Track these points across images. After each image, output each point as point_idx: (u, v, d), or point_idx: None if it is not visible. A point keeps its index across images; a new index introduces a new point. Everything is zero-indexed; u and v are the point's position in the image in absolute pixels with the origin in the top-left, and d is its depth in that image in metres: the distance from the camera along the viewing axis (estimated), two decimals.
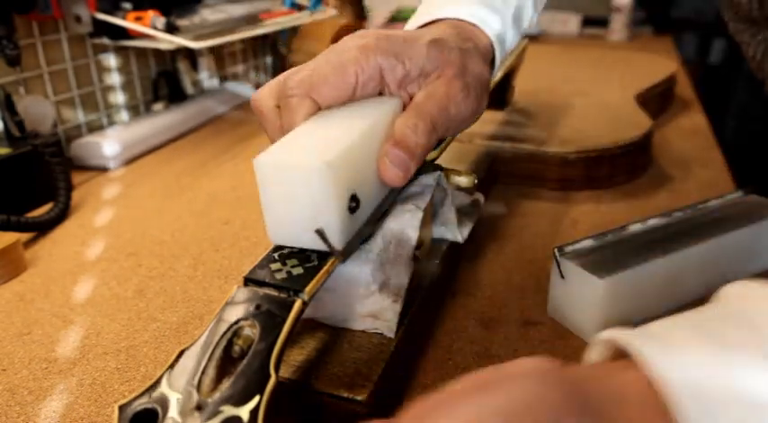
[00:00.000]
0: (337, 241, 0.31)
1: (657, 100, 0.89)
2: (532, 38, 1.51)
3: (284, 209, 0.31)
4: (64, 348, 0.41)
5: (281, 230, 0.32)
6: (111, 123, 0.82)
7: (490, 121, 0.72)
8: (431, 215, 0.43)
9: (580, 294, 0.40)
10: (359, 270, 0.35)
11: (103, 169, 0.73)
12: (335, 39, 1.06)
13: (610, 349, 0.23)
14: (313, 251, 0.32)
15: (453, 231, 0.44)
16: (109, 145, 0.73)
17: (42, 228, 0.57)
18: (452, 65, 0.37)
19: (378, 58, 0.35)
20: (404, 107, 0.37)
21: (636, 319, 0.42)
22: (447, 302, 0.45)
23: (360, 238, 0.34)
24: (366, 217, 0.34)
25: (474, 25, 0.42)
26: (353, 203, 0.32)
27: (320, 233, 0.30)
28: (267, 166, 0.30)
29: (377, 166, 0.34)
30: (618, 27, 1.52)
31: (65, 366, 0.40)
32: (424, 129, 0.35)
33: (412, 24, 0.44)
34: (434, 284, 0.42)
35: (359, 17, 1.22)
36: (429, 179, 0.40)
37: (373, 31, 0.37)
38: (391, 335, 0.35)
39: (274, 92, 0.37)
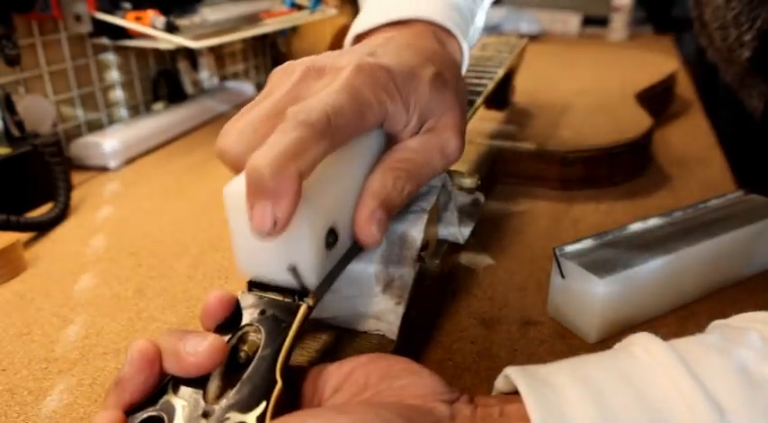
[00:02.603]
0: (312, 279, 0.29)
1: (658, 99, 0.89)
2: (533, 37, 1.51)
3: (255, 243, 0.27)
4: (64, 348, 0.41)
5: (251, 265, 0.30)
6: (111, 123, 0.82)
7: (490, 120, 0.72)
8: (437, 217, 0.43)
9: (580, 294, 0.40)
10: (363, 271, 0.35)
11: (103, 169, 0.73)
12: (335, 38, 1.06)
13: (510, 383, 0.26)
14: (286, 289, 0.29)
15: (454, 232, 0.44)
16: (109, 145, 0.73)
17: (42, 227, 0.57)
18: (450, 110, 0.35)
19: (388, 105, 0.32)
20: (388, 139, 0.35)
21: (636, 319, 0.42)
22: (447, 302, 0.45)
23: (338, 274, 0.32)
24: (344, 251, 0.32)
25: (449, 32, 0.41)
26: (331, 238, 0.30)
27: (293, 270, 0.28)
28: (237, 197, 0.27)
29: (356, 225, 0.31)
30: (618, 26, 1.51)
31: (65, 366, 0.40)
32: (410, 191, 0.33)
33: (377, 17, 0.41)
34: (434, 284, 0.42)
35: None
36: (435, 180, 0.39)
37: (378, 65, 0.32)
38: (393, 337, 0.35)
39: (247, 136, 0.30)
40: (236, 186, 0.28)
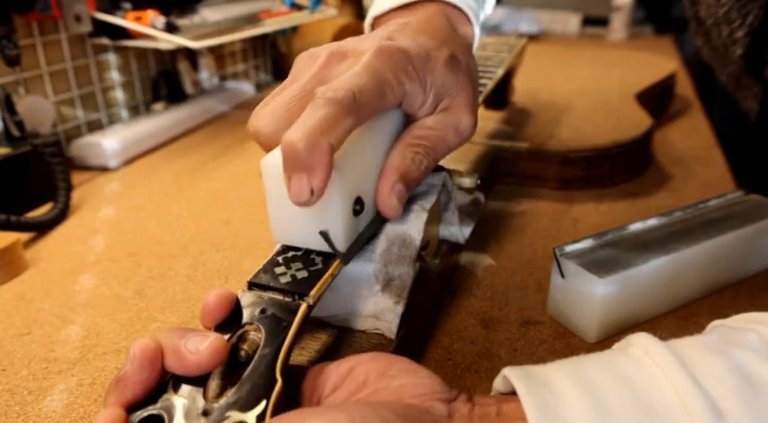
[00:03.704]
0: (341, 244, 0.31)
1: (658, 99, 0.89)
2: (533, 37, 1.51)
3: (289, 210, 0.30)
4: (64, 348, 0.41)
5: (285, 231, 0.32)
6: (111, 123, 0.82)
7: (490, 120, 0.72)
8: (438, 217, 0.43)
9: (580, 294, 0.40)
10: (362, 270, 0.35)
11: (103, 169, 0.73)
12: (335, 39, 1.06)
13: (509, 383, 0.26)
14: (317, 253, 0.32)
15: (455, 232, 0.44)
16: (109, 145, 0.73)
17: (42, 228, 0.57)
18: (463, 90, 0.37)
19: (407, 85, 0.34)
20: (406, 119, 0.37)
21: (636, 319, 0.42)
22: (447, 302, 0.45)
23: (362, 241, 0.34)
24: (369, 220, 0.34)
25: (461, 12, 0.43)
26: (358, 206, 0.32)
27: (324, 235, 0.31)
28: (273, 167, 0.30)
29: (378, 197, 0.34)
30: (618, 26, 1.52)
31: (65, 366, 0.40)
32: (427, 166, 0.35)
33: (392, 0, 0.43)
34: (434, 284, 0.42)
35: (358, 17, 1.22)
36: (435, 179, 0.39)
37: (397, 48, 0.34)
38: (392, 336, 0.35)
39: (278, 116, 0.33)
40: (273, 158, 0.30)
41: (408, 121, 0.37)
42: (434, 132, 0.36)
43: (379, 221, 0.36)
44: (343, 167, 0.30)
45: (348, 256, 0.32)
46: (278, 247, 0.33)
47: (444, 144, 0.36)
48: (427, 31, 0.39)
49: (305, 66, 0.35)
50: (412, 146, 0.35)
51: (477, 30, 0.45)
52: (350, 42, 0.36)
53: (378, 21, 0.45)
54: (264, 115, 0.33)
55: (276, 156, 0.30)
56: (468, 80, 0.38)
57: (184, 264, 0.52)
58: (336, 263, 0.31)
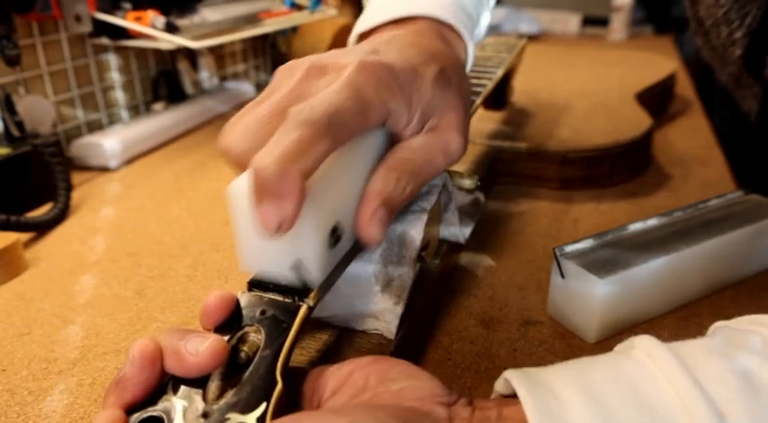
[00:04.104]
0: (316, 276, 0.29)
1: (658, 99, 0.89)
2: (533, 37, 1.51)
3: (259, 240, 0.28)
4: (64, 348, 0.41)
5: (255, 262, 0.30)
6: (111, 123, 0.82)
7: (489, 120, 0.72)
8: (438, 217, 0.43)
9: (580, 294, 0.40)
10: (362, 270, 0.35)
11: (103, 169, 0.73)
12: (335, 39, 1.06)
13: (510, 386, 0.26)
14: (287, 288, 0.29)
15: (455, 233, 0.44)
16: (109, 145, 0.73)
17: (42, 228, 0.57)
18: (453, 109, 0.35)
19: (390, 103, 0.32)
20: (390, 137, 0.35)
21: (636, 319, 0.42)
22: (447, 302, 0.45)
23: (340, 273, 0.32)
24: (348, 247, 0.32)
25: (453, 29, 0.41)
26: (335, 236, 0.30)
27: (297, 267, 0.28)
28: (241, 195, 0.27)
29: (357, 224, 0.31)
30: (618, 26, 1.52)
31: (65, 366, 0.40)
32: (412, 190, 0.32)
33: (381, 15, 0.41)
34: (434, 284, 0.42)
35: (358, 17, 1.22)
36: (435, 180, 0.39)
37: (380, 63, 0.32)
38: (391, 337, 0.35)
39: (250, 133, 0.30)
40: (240, 184, 0.28)
41: (393, 140, 0.34)
42: (420, 154, 0.33)
43: (359, 249, 0.33)
44: (317, 195, 0.27)
45: (323, 290, 0.30)
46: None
47: (431, 167, 0.34)
48: (416, 44, 0.36)
49: (283, 79, 0.33)
50: (395, 169, 0.32)
51: (471, 48, 0.43)
52: (331, 56, 0.33)
53: (363, 37, 0.43)
54: (235, 132, 0.30)
55: (243, 182, 0.27)
56: (458, 98, 0.35)
57: (184, 264, 0.52)
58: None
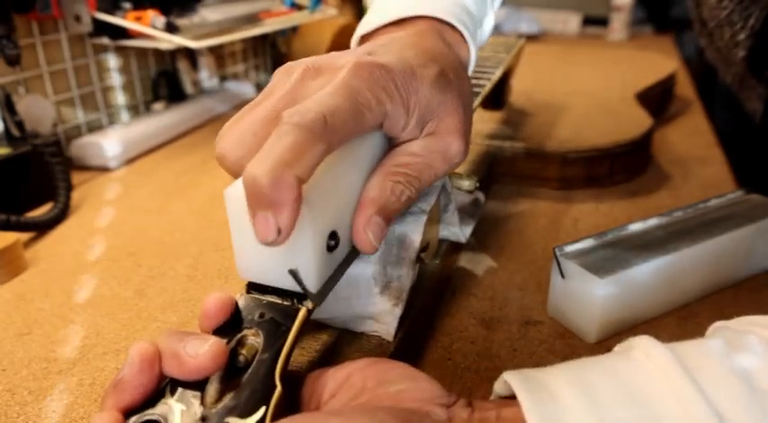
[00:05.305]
0: (313, 283, 0.28)
1: (658, 99, 0.89)
2: (533, 37, 1.51)
3: (256, 245, 0.27)
4: (64, 348, 0.41)
5: (252, 268, 0.29)
6: (111, 123, 0.82)
7: (489, 120, 0.72)
8: (437, 218, 0.43)
9: (580, 294, 0.40)
10: (361, 272, 0.35)
11: (103, 169, 0.73)
12: (335, 39, 1.06)
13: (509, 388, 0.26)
14: (285, 292, 0.29)
15: (456, 232, 0.44)
16: (109, 145, 0.73)
17: (42, 227, 0.57)
18: (453, 112, 0.34)
19: (387, 105, 0.31)
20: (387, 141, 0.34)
21: (636, 319, 0.42)
22: (447, 302, 0.45)
23: (338, 278, 0.31)
24: (346, 252, 0.32)
25: (455, 30, 0.40)
26: (332, 241, 0.29)
27: (294, 274, 0.28)
28: (237, 201, 0.27)
29: (353, 232, 0.31)
30: (618, 26, 1.52)
31: (65, 366, 0.40)
32: (409, 196, 0.32)
33: (382, 17, 0.40)
34: (434, 284, 0.42)
35: (358, 17, 1.22)
36: None
37: (377, 63, 0.31)
38: (390, 338, 0.35)
39: (245, 140, 0.29)
40: (237, 190, 0.27)
41: (391, 144, 0.34)
42: (419, 159, 0.32)
43: (357, 254, 0.33)
44: (314, 201, 0.27)
45: (321, 296, 0.30)
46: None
47: (430, 172, 0.33)
48: (415, 45, 0.35)
49: (280, 81, 0.32)
50: (392, 174, 0.31)
51: (473, 50, 0.42)
52: (328, 57, 0.33)
53: (365, 39, 0.42)
54: (230, 138, 0.30)
55: (240, 188, 0.27)
56: (458, 101, 0.34)
57: (185, 263, 0.52)
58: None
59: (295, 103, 0.29)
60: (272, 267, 0.28)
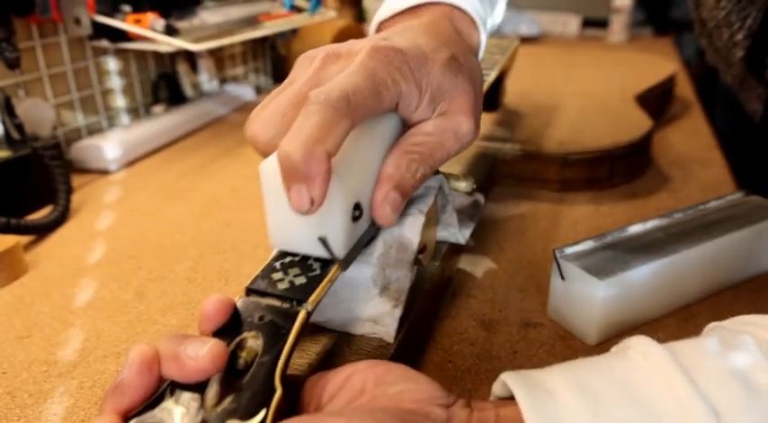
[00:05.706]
0: (340, 249, 0.31)
1: (657, 101, 0.89)
2: (532, 39, 1.51)
3: (287, 216, 0.30)
4: (64, 351, 0.41)
5: (283, 236, 0.31)
6: (111, 126, 0.82)
7: (486, 122, 0.72)
8: (435, 220, 0.43)
9: (580, 296, 0.40)
10: (359, 274, 0.35)
11: (103, 172, 0.73)
12: (335, 41, 1.06)
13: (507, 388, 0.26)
14: (315, 259, 0.31)
15: (455, 233, 0.44)
16: (109, 148, 0.73)
17: (42, 230, 0.57)
18: (464, 94, 0.35)
19: (402, 85, 0.33)
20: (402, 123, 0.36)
21: (636, 321, 0.42)
22: (447, 304, 0.45)
23: (361, 246, 0.34)
24: (367, 225, 0.34)
25: (467, 16, 0.42)
26: (357, 212, 0.32)
27: (323, 241, 0.30)
28: (271, 173, 0.29)
29: (373, 206, 0.33)
30: (618, 28, 1.52)
31: (65, 369, 0.40)
32: (424, 173, 0.34)
33: (399, 3, 0.42)
34: (434, 286, 0.42)
35: (358, 19, 1.22)
36: (432, 182, 0.39)
37: (392, 47, 0.33)
38: (390, 340, 0.35)
39: (275, 121, 0.32)
40: (270, 166, 0.29)
41: (405, 126, 0.36)
42: (431, 138, 0.34)
43: (377, 226, 0.35)
44: (342, 173, 0.29)
45: (347, 262, 0.32)
46: (275, 252, 0.33)
47: (442, 150, 0.35)
48: (428, 32, 0.37)
49: (302, 68, 0.35)
50: (407, 152, 0.34)
51: (483, 36, 0.44)
52: (346, 44, 0.35)
53: (383, 25, 0.44)
54: (261, 121, 0.32)
55: (273, 162, 0.29)
56: (468, 83, 0.36)
57: (184, 266, 0.52)
58: (335, 268, 0.31)
59: (318, 86, 0.31)
60: (302, 235, 0.31)
